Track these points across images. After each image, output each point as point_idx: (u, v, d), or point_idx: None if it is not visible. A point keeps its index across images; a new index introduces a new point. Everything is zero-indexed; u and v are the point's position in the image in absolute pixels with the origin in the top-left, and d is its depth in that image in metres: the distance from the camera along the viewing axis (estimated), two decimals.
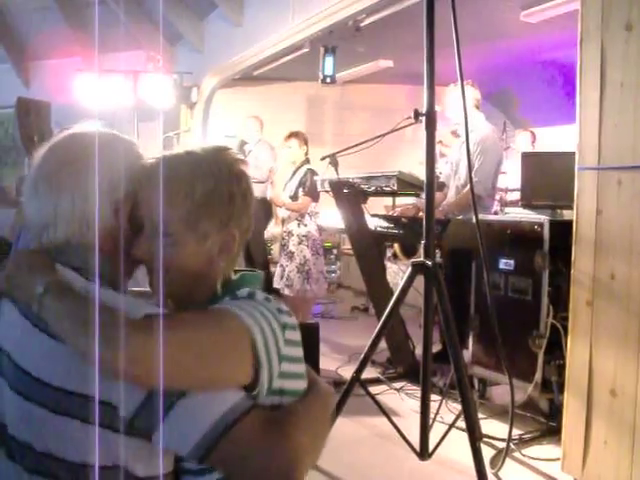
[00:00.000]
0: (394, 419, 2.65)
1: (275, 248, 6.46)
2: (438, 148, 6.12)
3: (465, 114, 2.49)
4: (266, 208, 6.35)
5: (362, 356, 2.58)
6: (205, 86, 7.92)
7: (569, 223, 2.87)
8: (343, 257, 7.99)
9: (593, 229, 2.71)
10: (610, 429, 2.64)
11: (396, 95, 8.90)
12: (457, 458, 2.94)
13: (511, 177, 6.53)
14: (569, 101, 7.17)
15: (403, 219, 4.32)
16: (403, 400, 3.91)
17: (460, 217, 4.18)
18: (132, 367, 0.92)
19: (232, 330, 1.03)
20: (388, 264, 5.92)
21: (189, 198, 1.10)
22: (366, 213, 4.33)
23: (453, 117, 4.47)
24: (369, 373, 3.57)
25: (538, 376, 3.29)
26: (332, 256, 7.82)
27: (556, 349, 3.24)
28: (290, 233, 5.27)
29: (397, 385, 4.13)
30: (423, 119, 2.46)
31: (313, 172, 5.12)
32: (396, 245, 5.54)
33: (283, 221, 5.43)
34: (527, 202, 3.78)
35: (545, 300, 3.29)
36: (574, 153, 2.82)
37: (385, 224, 4.33)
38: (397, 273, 5.93)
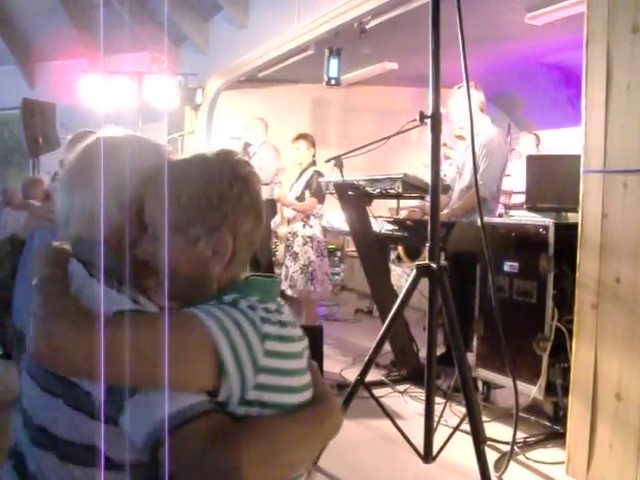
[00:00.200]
0: (398, 422, 2.64)
1: (280, 249, 6.45)
2: (442, 150, 6.11)
3: (471, 116, 2.49)
4: (270, 209, 6.35)
5: (366, 358, 2.58)
6: (210, 88, 7.91)
7: (574, 226, 2.87)
8: (347, 259, 7.96)
9: (598, 232, 2.70)
10: (615, 433, 2.63)
11: (401, 97, 8.91)
12: (461, 461, 2.93)
13: (515, 179, 6.52)
14: (574, 104, 7.18)
15: (408, 221, 4.31)
16: (407, 403, 3.91)
17: (464, 220, 4.17)
18: (54, 354, 0.99)
19: (191, 332, 1.03)
20: (392, 266, 5.91)
21: (175, 202, 1.11)
22: (371, 215, 4.33)
23: (457, 120, 4.45)
24: (373, 375, 3.55)
25: (543, 379, 3.27)
26: (336, 258, 7.78)
27: (561, 352, 3.23)
28: (295, 234, 5.28)
29: (401, 388, 4.12)
30: (428, 121, 2.47)
31: (320, 174, 5.13)
32: (400, 247, 5.52)
33: (288, 221, 5.44)
34: (532, 205, 3.77)
35: (550, 303, 3.28)
36: (579, 156, 2.81)
37: (389, 226, 4.32)
38: (401, 276, 5.92)
